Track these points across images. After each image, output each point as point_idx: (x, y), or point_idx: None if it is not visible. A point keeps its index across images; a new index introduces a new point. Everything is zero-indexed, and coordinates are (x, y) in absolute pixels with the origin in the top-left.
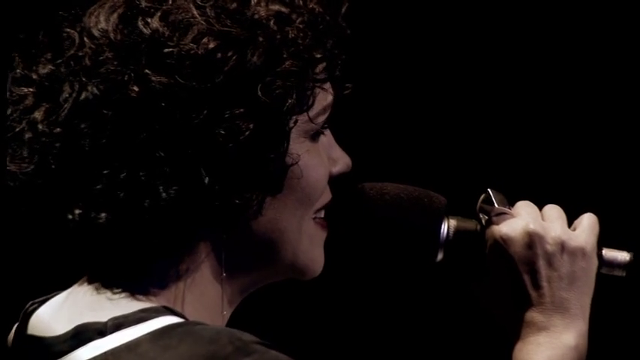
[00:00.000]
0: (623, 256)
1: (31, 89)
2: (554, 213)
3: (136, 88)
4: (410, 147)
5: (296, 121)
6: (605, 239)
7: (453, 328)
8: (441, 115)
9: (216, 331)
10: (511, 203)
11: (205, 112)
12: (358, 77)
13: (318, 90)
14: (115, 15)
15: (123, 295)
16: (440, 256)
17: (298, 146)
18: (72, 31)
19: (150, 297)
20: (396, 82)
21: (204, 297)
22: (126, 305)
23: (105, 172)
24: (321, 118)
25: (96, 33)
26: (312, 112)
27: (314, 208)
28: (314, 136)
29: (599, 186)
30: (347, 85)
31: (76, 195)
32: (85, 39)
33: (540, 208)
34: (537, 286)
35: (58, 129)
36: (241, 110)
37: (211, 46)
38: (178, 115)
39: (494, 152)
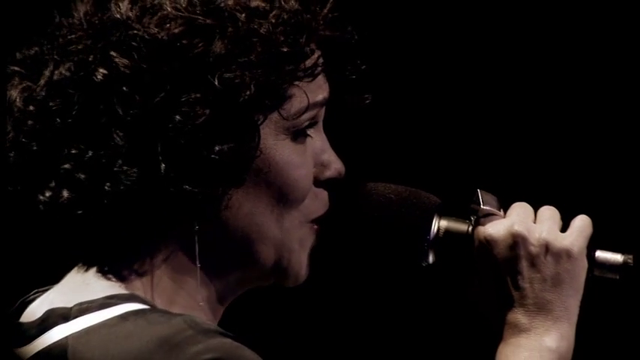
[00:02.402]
0: (615, 258)
1: (16, 68)
2: (546, 214)
3: (100, 69)
4: (416, 148)
5: (266, 115)
6: (604, 242)
7: (447, 330)
8: (446, 116)
9: (173, 318)
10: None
11: (163, 95)
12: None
13: (292, 87)
14: None
15: (97, 281)
16: (431, 257)
17: (275, 142)
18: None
19: (123, 284)
20: (399, 84)
21: (183, 287)
22: (96, 291)
23: (72, 152)
24: (300, 117)
25: (74, 14)
26: (288, 110)
27: (301, 209)
28: (296, 135)
29: (604, 189)
30: (366, 95)
31: (47, 175)
32: (63, 19)
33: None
34: (520, 288)
35: (31, 106)
36: (197, 95)
37: (175, 31)
38: (138, 99)
39: (500, 154)
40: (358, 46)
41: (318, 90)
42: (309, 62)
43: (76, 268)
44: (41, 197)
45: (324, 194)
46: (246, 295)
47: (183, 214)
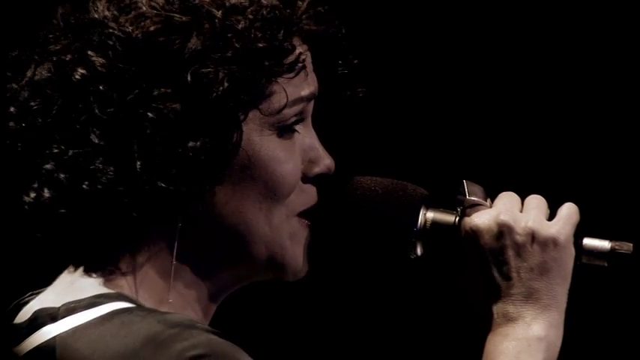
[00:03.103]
0: (603, 245)
1: (7, 73)
2: (532, 203)
3: (78, 69)
4: (402, 141)
5: (245, 111)
6: (592, 229)
7: (437, 322)
8: (432, 108)
9: (159, 316)
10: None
11: (137, 92)
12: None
13: (273, 83)
14: None
15: (85, 281)
16: (419, 249)
17: (260, 138)
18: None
19: (110, 283)
20: (384, 77)
21: (172, 286)
22: (84, 291)
23: (54, 151)
24: (283, 112)
25: (55, 15)
26: (269, 106)
27: (287, 204)
28: (282, 131)
29: (591, 176)
30: (358, 89)
31: (31, 176)
32: (44, 21)
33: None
34: (507, 277)
35: (12, 108)
36: (168, 91)
37: (151, 29)
38: (115, 97)
39: (486, 144)
40: (346, 40)
41: (303, 85)
42: (289, 58)
43: (67, 269)
44: (26, 198)
45: (312, 189)
46: (239, 290)
47: (166, 212)
